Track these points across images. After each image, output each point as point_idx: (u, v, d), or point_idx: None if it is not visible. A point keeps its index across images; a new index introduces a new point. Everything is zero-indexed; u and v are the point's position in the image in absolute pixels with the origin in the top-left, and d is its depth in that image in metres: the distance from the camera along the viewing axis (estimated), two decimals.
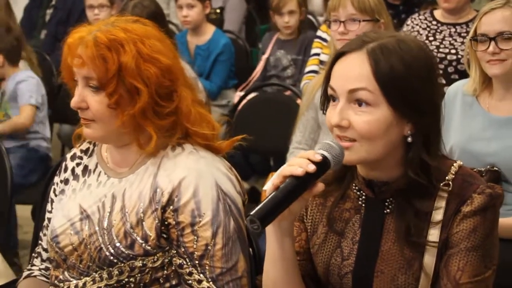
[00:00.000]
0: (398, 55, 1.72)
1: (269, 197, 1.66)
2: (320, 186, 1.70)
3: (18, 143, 4.43)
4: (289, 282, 1.82)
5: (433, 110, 1.76)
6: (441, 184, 1.77)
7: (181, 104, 2.00)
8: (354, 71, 1.74)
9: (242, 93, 4.86)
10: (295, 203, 1.70)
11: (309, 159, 1.68)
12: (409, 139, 1.75)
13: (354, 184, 1.87)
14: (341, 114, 1.73)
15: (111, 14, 5.13)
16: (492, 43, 2.75)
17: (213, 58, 5.26)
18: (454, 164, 1.81)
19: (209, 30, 5.34)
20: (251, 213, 1.63)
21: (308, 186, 1.68)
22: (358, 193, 1.86)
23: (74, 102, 1.99)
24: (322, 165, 1.69)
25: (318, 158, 1.69)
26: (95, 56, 1.93)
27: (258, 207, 1.64)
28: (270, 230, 1.78)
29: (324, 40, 4.76)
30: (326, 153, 1.70)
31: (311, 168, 1.66)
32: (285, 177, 1.67)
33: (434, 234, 1.76)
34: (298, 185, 1.66)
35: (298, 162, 1.67)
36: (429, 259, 1.76)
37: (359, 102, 1.72)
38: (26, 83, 4.47)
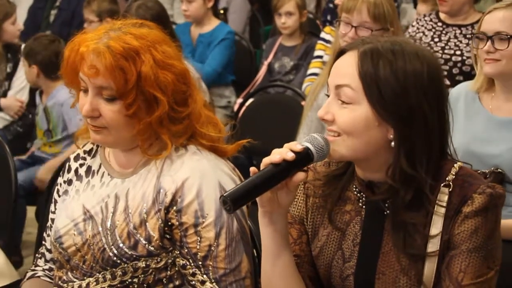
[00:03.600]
0: (388, 59, 1.73)
1: (246, 181, 1.70)
2: (300, 175, 1.72)
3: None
4: (285, 278, 1.82)
5: (419, 120, 1.73)
6: (442, 185, 1.76)
7: (194, 108, 2.00)
8: (343, 68, 1.78)
9: (241, 100, 4.85)
10: (282, 194, 1.74)
11: (290, 149, 1.71)
12: (392, 144, 1.75)
13: (354, 186, 1.87)
14: (326, 108, 1.78)
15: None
16: (489, 42, 2.76)
17: (215, 45, 5.22)
18: (455, 165, 1.80)
19: (213, 22, 5.33)
20: (224, 193, 1.67)
21: (287, 175, 1.71)
22: (358, 194, 1.86)
23: (86, 111, 1.95)
24: (304, 155, 1.72)
25: (299, 148, 1.72)
26: (113, 67, 1.89)
27: (233, 188, 1.69)
28: (262, 225, 1.80)
29: (328, 42, 4.74)
30: (309, 145, 1.74)
31: (290, 155, 1.70)
32: (266, 165, 1.71)
33: (433, 245, 1.75)
34: (276, 172, 1.70)
35: (279, 151, 1.72)
36: (429, 267, 1.76)
37: (343, 98, 1.75)
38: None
